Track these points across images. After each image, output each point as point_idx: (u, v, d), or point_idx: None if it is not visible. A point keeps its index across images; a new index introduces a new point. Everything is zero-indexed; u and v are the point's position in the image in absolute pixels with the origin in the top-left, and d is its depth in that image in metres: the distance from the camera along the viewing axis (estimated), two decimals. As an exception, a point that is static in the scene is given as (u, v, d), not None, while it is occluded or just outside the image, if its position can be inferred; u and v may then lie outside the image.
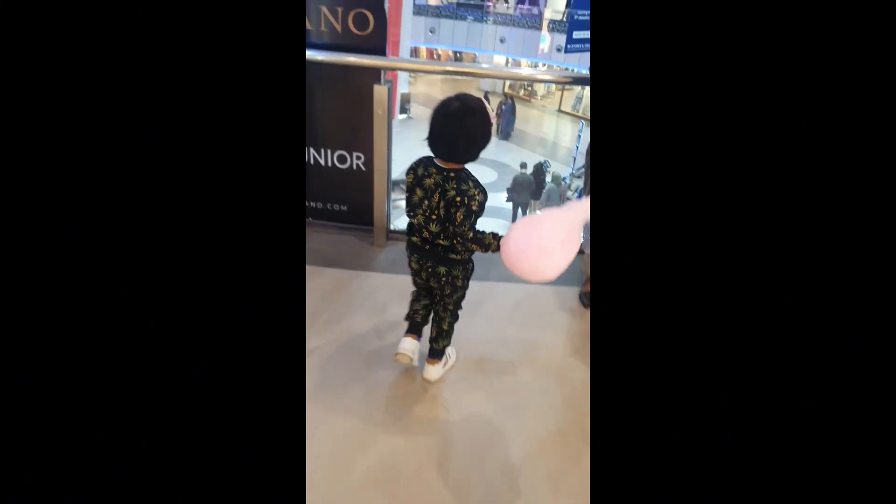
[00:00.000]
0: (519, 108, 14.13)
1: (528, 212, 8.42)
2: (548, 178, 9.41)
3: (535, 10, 11.50)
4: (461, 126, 1.19)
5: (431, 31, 12.10)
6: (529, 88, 15.99)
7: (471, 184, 1.26)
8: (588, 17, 7.99)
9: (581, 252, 2.01)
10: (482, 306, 1.98)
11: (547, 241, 1.16)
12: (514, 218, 8.36)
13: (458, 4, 11.82)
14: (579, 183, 9.38)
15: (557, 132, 13.70)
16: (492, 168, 10.71)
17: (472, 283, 1.51)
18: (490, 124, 1.23)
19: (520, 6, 11.54)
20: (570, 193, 8.66)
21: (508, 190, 8.59)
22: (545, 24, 11.42)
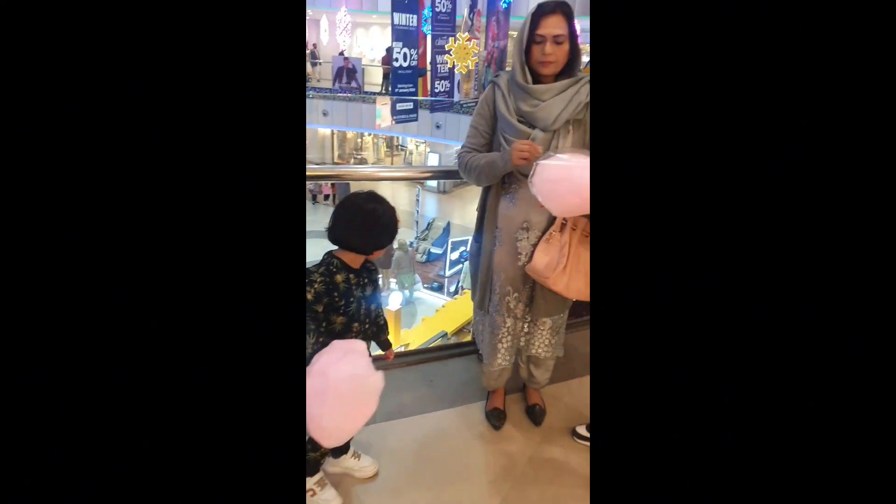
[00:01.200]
0: (352, 176, 14.09)
1: (381, 283, 8.13)
2: (394, 245, 9.32)
3: (353, 84, 11.77)
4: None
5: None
6: (360, 156, 16.16)
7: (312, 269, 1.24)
8: (410, 89, 8.36)
9: (480, 360, 1.73)
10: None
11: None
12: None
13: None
14: (426, 245, 9.46)
15: (394, 197, 13.92)
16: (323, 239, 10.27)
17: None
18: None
19: (338, 82, 11.70)
20: (418, 256, 8.63)
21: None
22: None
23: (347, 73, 12.07)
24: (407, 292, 7.89)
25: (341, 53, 11.50)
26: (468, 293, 7.67)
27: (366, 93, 11.86)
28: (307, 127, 14.48)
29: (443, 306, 6.65)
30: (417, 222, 10.00)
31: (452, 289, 8.48)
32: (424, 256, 8.80)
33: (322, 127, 13.61)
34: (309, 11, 13.50)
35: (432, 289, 8.48)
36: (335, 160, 16.09)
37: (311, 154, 15.95)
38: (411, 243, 9.19)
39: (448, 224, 10.00)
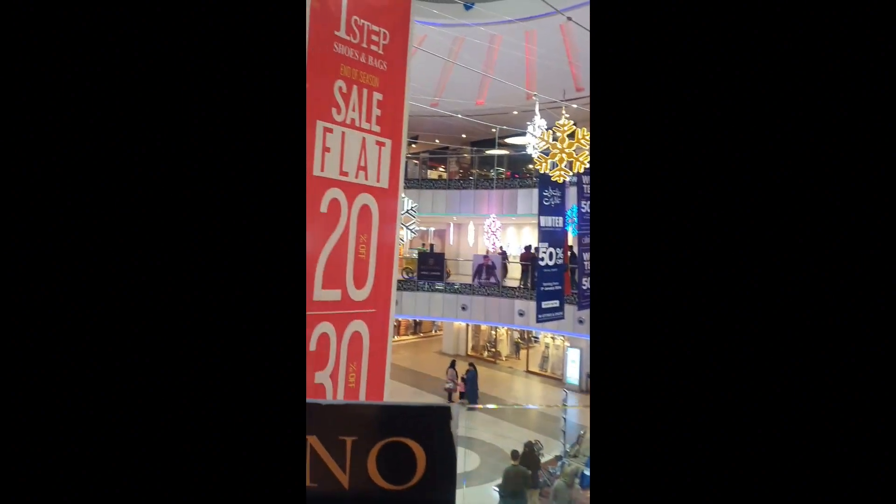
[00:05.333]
0: (484, 370, 13.47)
1: (527, 514, 6.60)
2: (555, 470, 7.90)
3: (492, 280, 11.99)
4: None
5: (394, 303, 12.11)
6: (493, 350, 15.71)
7: None
8: (556, 288, 8.02)
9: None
10: None
11: None
12: (513, 526, 6.48)
13: (420, 275, 12.22)
14: (577, 466, 7.89)
15: (530, 395, 12.76)
16: (469, 448, 9.15)
17: None
18: None
19: (477, 278, 12.03)
20: (564, 478, 7.04)
21: (499, 487, 6.93)
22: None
23: (487, 269, 12.49)
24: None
25: (487, 254, 12.08)
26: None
27: (504, 288, 11.93)
28: (447, 321, 14.78)
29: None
30: (564, 432, 8.59)
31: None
32: (578, 480, 7.20)
33: (460, 321, 13.71)
34: (455, 218, 14.92)
35: (592, 528, 6.67)
36: (469, 352, 15.81)
37: (446, 346, 15.95)
38: (584, 477, 7.63)
39: (603, 437, 8.44)
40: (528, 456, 7.16)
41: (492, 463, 8.59)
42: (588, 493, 7.40)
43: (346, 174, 1.70)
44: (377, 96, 1.81)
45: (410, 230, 7.24)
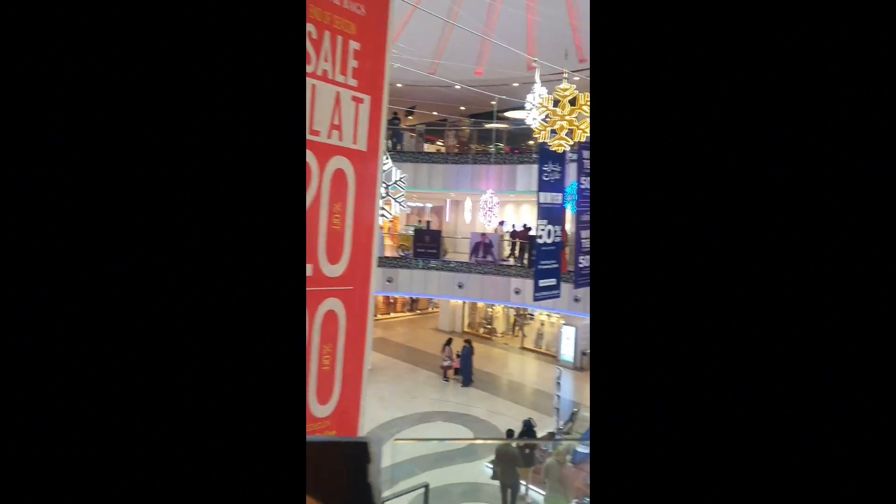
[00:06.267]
0: (480, 347, 13.45)
1: (518, 494, 6.59)
2: (547, 447, 7.88)
3: (489, 258, 11.83)
4: None
5: (389, 281, 12.00)
6: (489, 326, 15.68)
7: None
8: (553, 266, 7.86)
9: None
10: None
11: None
12: (504, 502, 6.47)
13: (416, 253, 12.05)
14: (570, 443, 7.87)
15: (524, 372, 12.76)
16: (462, 425, 9.15)
17: None
18: None
19: (474, 256, 11.87)
20: (554, 456, 7.00)
21: (493, 464, 6.91)
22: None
23: (484, 247, 12.32)
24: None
25: (497, 230, 11.89)
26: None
27: (501, 263, 11.79)
28: (443, 298, 14.69)
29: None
30: (558, 409, 8.58)
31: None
32: (570, 457, 7.19)
33: (457, 299, 13.61)
34: (452, 194, 14.66)
35: (583, 505, 6.69)
36: (465, 329, 15.79)
37: (442, 323, 15.92)
38: (577, 455, 7.57)
39: (597, 416, 8.42)
40: (527, 434, 7.12)
41: (483, 436, 8.59)
42: (580, 469, 7.42)
43: (316, 133, 1.50)
44: (354, 45, 1.59)
45: (399, 203, 7.00)
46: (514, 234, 12.57)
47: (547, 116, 3.74)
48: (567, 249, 9.42)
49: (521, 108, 10.15)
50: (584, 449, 7.93)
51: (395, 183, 6.79)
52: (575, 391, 11.32)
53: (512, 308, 14.95)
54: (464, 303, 15.47)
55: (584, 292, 10.24)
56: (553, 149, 3.72)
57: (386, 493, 6.41)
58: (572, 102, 3.62)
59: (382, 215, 6.62)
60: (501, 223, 14.07)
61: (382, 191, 6.12)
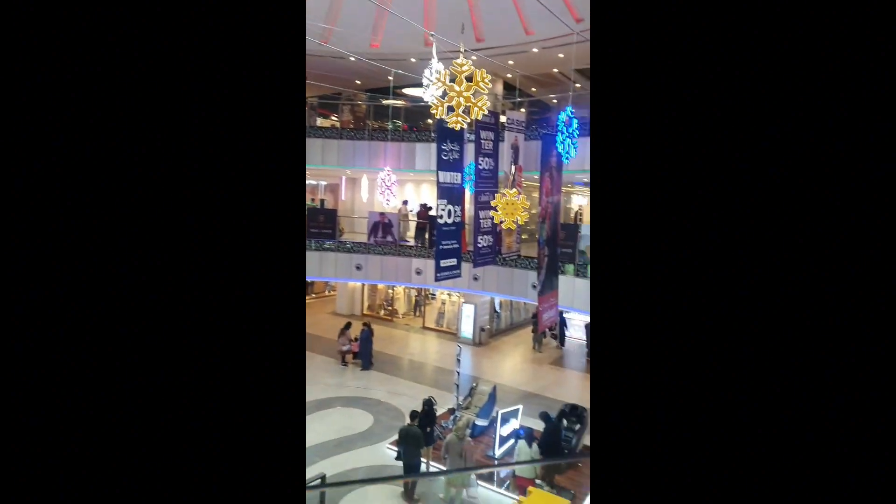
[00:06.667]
0: (381, 329, 13.29)
1: (419, 472, 6.62)
2: (447, 423, 7.96)
3: (388, 238, 11.61)
4: None
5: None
6: (390, 308, 15.54)
7: None
8: (454, 246, 7.89)
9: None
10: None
11: None
12: (407, 485, 6.47)
13: (309, 234, 11.43)
14: (469, 417, 8.09)
15: (426, 351, 12.88)
16: (363, 409, 8.99)
17: None
18: None
19: (373, 236, 11.57)
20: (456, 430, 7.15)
21: (397, 444, 6.85)
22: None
23: (383, 227, 12.06)
24: (454, 495, 6.36)
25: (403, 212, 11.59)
26: (537, 493, 6.09)
27: (402, 245, 11.64)
28: (340, 281, 14.17)
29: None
30: (458, 385, 8.76)
31: (504, 475, 6.92)
32: (469, 431, 7.39)
33: (355, 281, 13.22)
34: (349, 171, 14.09)
35: (481, 476, 6.92)
36: (364, 311, 15.48)
37: (340, 306, 15.44)
38: (476, 428, 7.68)
39: (494, 390, 8.72)
40: (428, 414, 7.13)
41: (385, 422, 8.52)
42: (479, 442, 7.68)
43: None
44: None
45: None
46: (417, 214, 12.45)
47: (445, 93, 3.60)
48: (466, 230, 9.53)
49: (419, 84, 9.97)
50: (482, 422, 8.20)
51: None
52: (474, 367, 11.67)
53: (413, 289, 14.94)
54: (363, 285, 15.12)
55: (483, 271, 10.50)
56: (450, 126, 3.61)
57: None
58: (469, 79, 3.52)
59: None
60: (405, 202, 13.86)
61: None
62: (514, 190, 6.66)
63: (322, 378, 10.24)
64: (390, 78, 11.30)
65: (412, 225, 12.61)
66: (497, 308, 14.30)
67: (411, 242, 12.05)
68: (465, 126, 3.57)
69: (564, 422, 7.61)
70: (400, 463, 6.65)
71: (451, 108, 3.43)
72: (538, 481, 6.58)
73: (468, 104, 3.49)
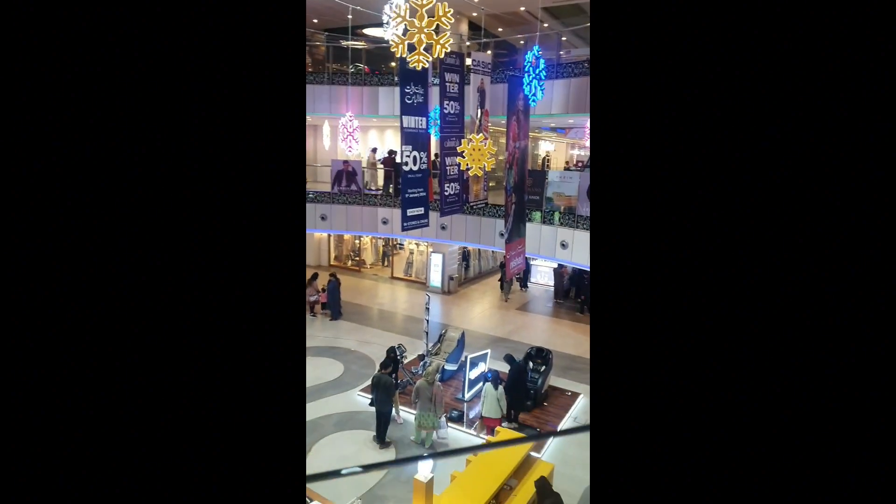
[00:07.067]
0: (349, 279, 13.24)
1: (390, 419, 6.81)
2: (417, 369, 8.12)
3: (353, 187, 11.33)
4: None
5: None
6: (357, 258, 15.43)
7: None
8: (421, 194, 7.75)
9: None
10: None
11: None
12: (379, 429, 6.65)
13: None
14: (438, 362, 8.28)
15: (396, 300, 12.97)
16: (332, 358, 9.07)
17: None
18: None
19: (337, 185, 11.25)
20: (437, 378, 7.36)
21: (371, 392, 6.98)
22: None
23: (347, 175, 11.72)
24: (425, 437, 6.59)
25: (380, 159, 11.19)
26: (504, 431, 6.38)
27: (367, 193, 11.39)
28: (306, 232, 13.87)
29: (474, 454, 5.33)
30: (427, 332, 8.91)
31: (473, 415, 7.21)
32: (438, 376, 7.60)
33: (320, 231, 12.95)
34: (309, 118, 13.45)
35: (451, 418, 7.19)
36: (331, 262, 15.33)
37: (308, 258, 15.20)
38: (446, 372, 7.87)
39: (463, 335, 8.91)
40: (392, 360, 7.25)
41: (356, 370, 8.65)
42: (448, 386, 7.93)
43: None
44: None
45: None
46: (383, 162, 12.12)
47: (406, 30, 3.37)
48: (433, 177, 9.36)
49: (381, 24, 9.36)
50: (451, 367, 8.43)
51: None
52: (443, 314, 11.87)
53: (381, 238, 14.81)
54: (329, 235, 14.88)
55: (451, 219, 10.44)
56: (412, 65, 3.40)
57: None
58: (430, 13, 3.30)
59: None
60: (374, 150, 13.42)
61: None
62: (481, 135, 6.51)
63: (291, 330, 10.21)
64: (349, 16, 10.60)
65: (381, 173, 12.29)
66: (464, 257, 14.41)
67: (376, 191, 11.79)
68: (427, 66, 3.37)
69: (531, 363, 7.89)
70: (372, 409, 6.80)
71: (412, 47, 3.21)
72: (504, 423, 6.89)
73: (430, 41, 3.29)
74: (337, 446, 6.56)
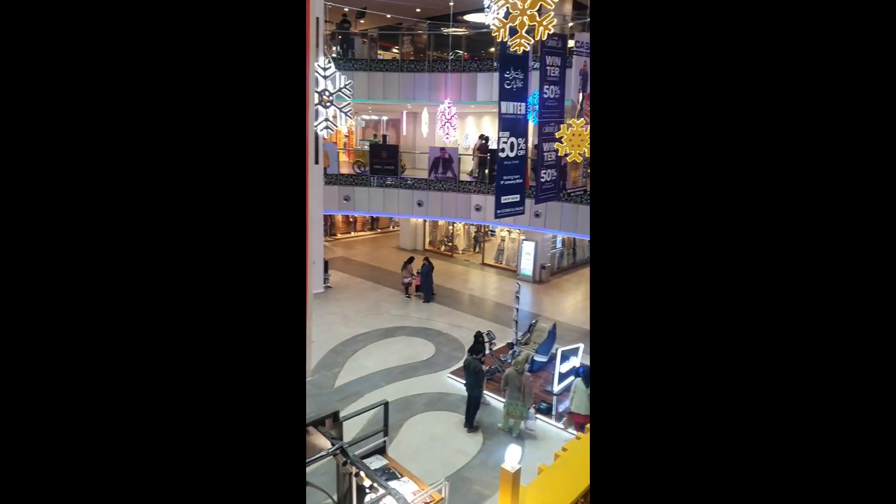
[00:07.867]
0: (441, 264, 13.52)
1: (479, 404, 6.88)
2: (506, 357, 8.14)
3: (449, 174, 11.48)
4: None
5: (346, 199, 11.54)
6: (450, 244, 15.70)
7: None
8: (517, 181, 7.65)
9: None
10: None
11: None
12: (468, 413, 6.76)
13: (373, 170, 11.53)
14: (528, 352, 8.19)
15: (486, 286, 13.02)
16: (425, 339, 9.36)
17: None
18: None
19: (434, 172, 11.47)
20: (526, 367, 7.30)
21: (463, 376, 7.13)
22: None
23: (444, 163, 11.90)
24: (513, 425, 6.58)
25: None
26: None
27: (462, 182, 11.49)
28: (402, 217, 14.37)
29: (564, 449, 5.21)
30: (517, 321, 8.84)
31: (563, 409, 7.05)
32: (528, 366, 7.52)
33: (416, 217, 13.35)
34: (409, 105, 13.84)
35: (540, 410, 7.10)
36: (426, 247, 15.76)
37: (403, 241, 15.79)
38: (535, 363, 7.80)
39: (554, 327, 8.72)
40: (477, 348, 7.31)
41: (446, 352, 8.85)
42: (537, 377, 7.84)
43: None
44: None
45: (345, 114, 6.40)
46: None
47: (507, 12, 3.30)
48: (529, 163, 9.18)
49: (481, 10, 9.26)
50: (541, 358, 8.30)
51: (341, 90, 6.15)
52: (533, 304, 11.70)
53: (473, 225, 14.91)
54: (424, 221, 15.28)
55: (545, 207, 10.19)
56: (513, 49, 3.33)
57: (349, 410, 6.56)
58: (534, -7, 3.19)
59: (327, 127, 6.05)
60: (485, 139, 13.35)
61: (316, 98, 5.52)
62: (581, 120, 6.23)
63: (388, 309, 10.71)
64: (451, 3, 10.65)
65: (466, 160, 12.30)
66: (559, 245, 14.01)
67: (469, 178, 11.84)
68: (528, 49, 3.27)
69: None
70: (464, 392, 6.94)
71: (513, 30, 3.14)
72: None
73: (532, 23, 3.19)
74: (428, 425, 6.79)
